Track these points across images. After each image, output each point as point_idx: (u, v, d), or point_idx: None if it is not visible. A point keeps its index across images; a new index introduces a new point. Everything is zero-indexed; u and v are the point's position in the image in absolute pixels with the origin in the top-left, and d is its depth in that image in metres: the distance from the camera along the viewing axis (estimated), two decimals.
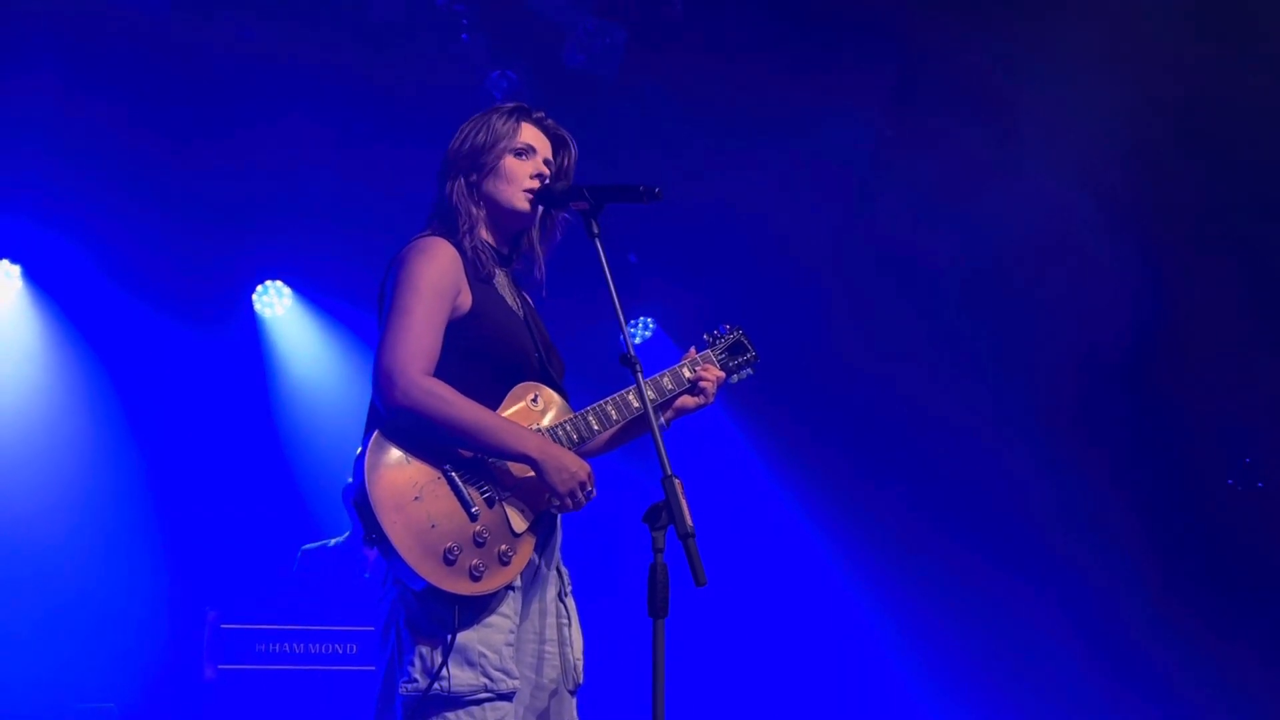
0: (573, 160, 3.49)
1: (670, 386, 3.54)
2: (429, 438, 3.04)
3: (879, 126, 7.30)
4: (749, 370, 3.78)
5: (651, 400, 3.38)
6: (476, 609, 3.04)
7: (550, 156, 3.44)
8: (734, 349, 3.75)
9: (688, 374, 3.57)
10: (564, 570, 3.36)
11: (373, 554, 6.18)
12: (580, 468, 3.12)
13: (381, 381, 3.03)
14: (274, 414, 7.99)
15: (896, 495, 8.02)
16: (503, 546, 3.05)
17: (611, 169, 6.99)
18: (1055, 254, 7.15)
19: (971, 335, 7.62)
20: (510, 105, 3.45)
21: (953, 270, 7.49)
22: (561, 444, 3.21)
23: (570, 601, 3.34)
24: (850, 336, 8.00)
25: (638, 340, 8.77)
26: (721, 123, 7.26)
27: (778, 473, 8.52)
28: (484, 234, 3.36)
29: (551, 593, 3.28)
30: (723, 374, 3.62)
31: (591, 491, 3.15)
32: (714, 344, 3.73)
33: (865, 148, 7.37)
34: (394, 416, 3.04)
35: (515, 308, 3.37)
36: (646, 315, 8.81)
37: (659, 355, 8.48)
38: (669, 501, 2.79)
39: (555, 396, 3.33)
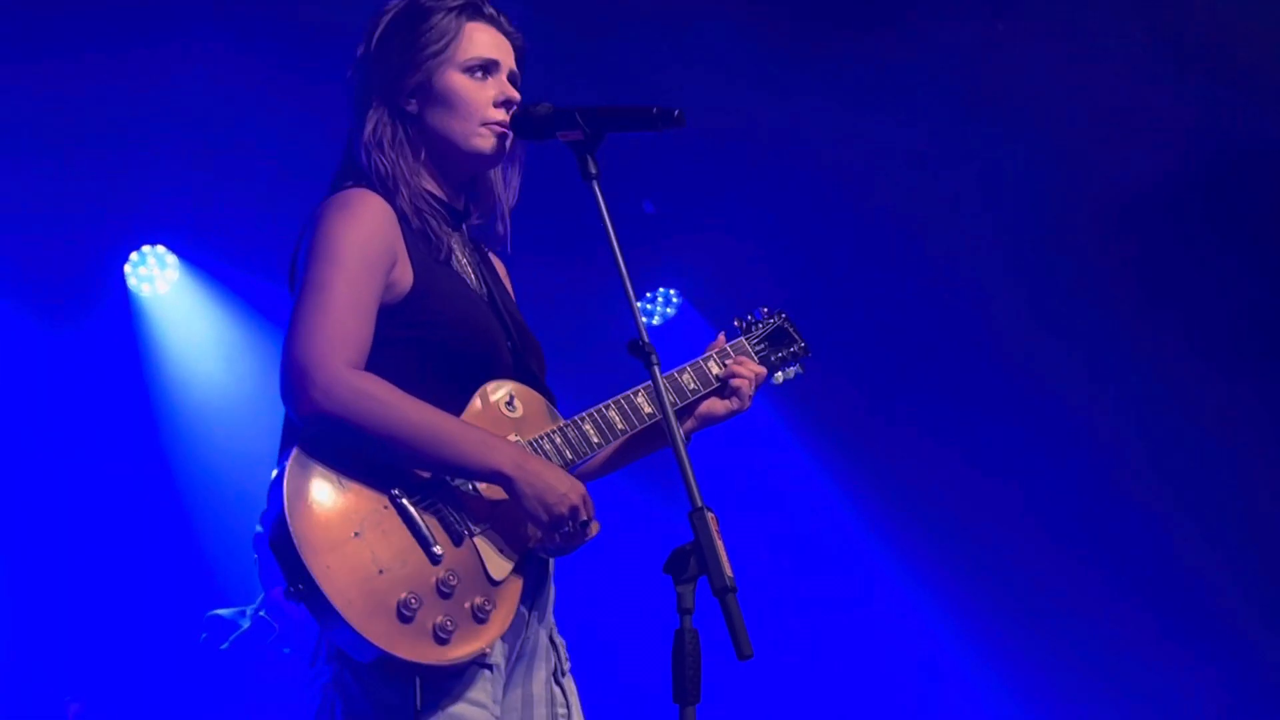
0: (522, 71, 3.47)
1: (693, 386, 3.56)
2: (367, 452, 3.03)
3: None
4: (797, 368, 3.86)
5: (670, 404, 3.39)
6: (439, 692, 3.02)
7: (515, 69, 3.42)
8: (775, 338, 3.81)
9: (715, 369, 3.60)
10: (559, 640, 3.35)
11: (288, 617, 6.22)
12: (572, 489, 3.10)
13: (293, 381, 3.01)
14: (157, 427, 8.03)
15: (954, 489, 8.60)
16: (477, 599, 3.04)
17: (630, 89, 7.06)
18: (1124, 238, 7.94)
19: (1038, 317, 8.27)
20: None
21: (1035, 251, 8.20)
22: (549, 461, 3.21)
23: (569, 683, 3.34)
24: (913, 309, 8.44)
25: (656, 320, 8.78)
26: (775, 32, 7.34)
27: (825, 465, 8.93)
28: (427, 184, 3.34)
29: (543, 672, 3.28)
30: (762, 370, 3.65)
31: (589, 524, 3.14)
32: (748, 331, 3.78)
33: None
34: (313, 425, 3.02)
35: (475, 283, 3.38)
36: (668, 285, 8.82)
37: (687, 339, 8.51)
38: (700, 544, 2.76)
39: (537, 399, 3.34)
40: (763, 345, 3.78)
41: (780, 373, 3.82)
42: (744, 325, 3.81)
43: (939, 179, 8.09)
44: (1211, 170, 7.67)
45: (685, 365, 3.58)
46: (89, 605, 7.41)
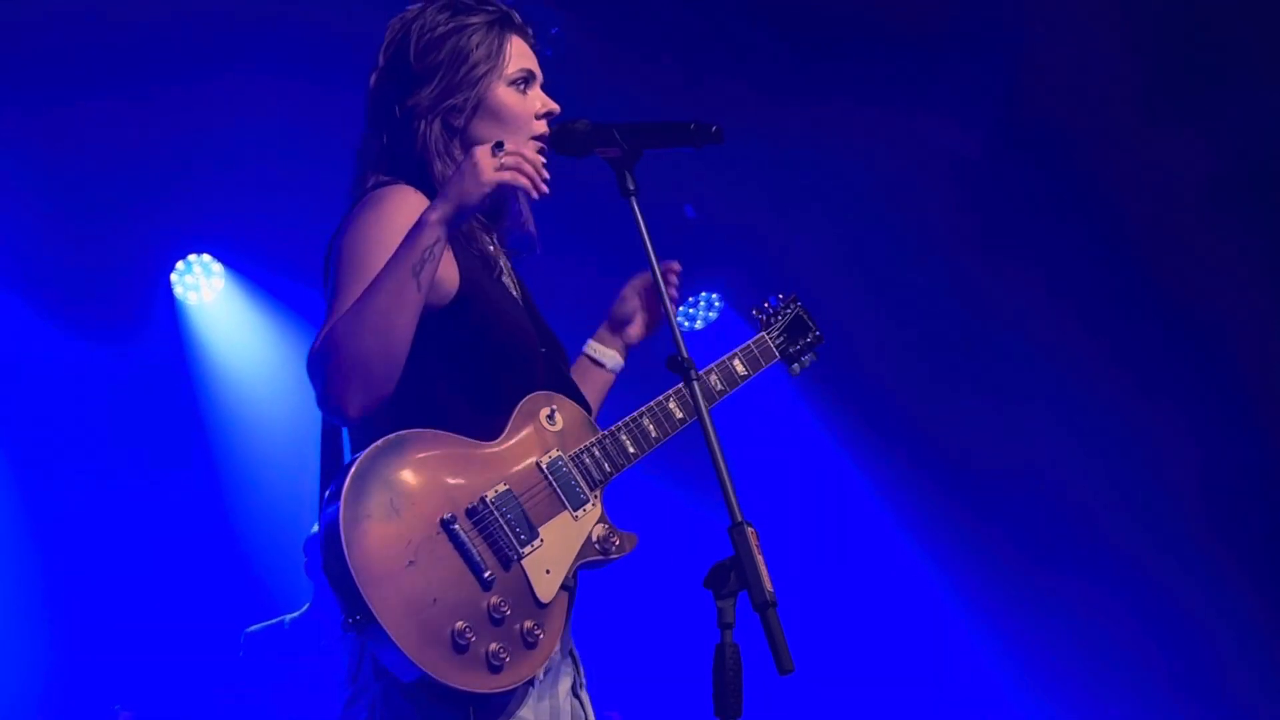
0: None
1: (720, 387, 3.63)
2: (420, 462, 3.03)
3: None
4: (812, 356, 3.92)
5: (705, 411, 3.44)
6: (490, 712, 3.04)
7: (542, 78, 3.45)
8: (794, 328, 3.88)
9: (741, 369, 3.68)
10: (576, 655, 3.36)
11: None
12: (466, 163, 3.07)
13: (315, 387, 3.01)
14: (205, 434, 8.05)
15: (999, 498, 8.61)
16: (527, 623, 3.05)
17: (669, 97, 7.07)
18: (1167, 240, 7.97)
19: (1080, 318, 8.31)
20: (482, 9, 3.37)
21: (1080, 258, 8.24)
22: (591, 476, 3.25)
23: (585, 697, 3.35)
24: (954, 311, 8.45)
25: (698, 324, 8.77)
26: (816, 36, 7.36)
27: (867, 472, 8.95)
28: None
29: (565, 686, 3.29)
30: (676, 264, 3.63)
31: (526, 156, 3.08)
32: (769, 323, 3.84)
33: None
34: (342, 420, 3.06)
35: (514, 290, 3.40)
36: (710, 290, 8.80)
37: (729, 343, 8.44)
38: (740, 559, 2.78)
39: (576, 410, 3.36)
40: (782, 338, 3.84)
41: (797, 363, 3.89)
42: (764, 318, 3.86)
43: (980, 181, 8.12)
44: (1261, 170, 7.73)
45: (711, 365, 3.64)
46: (140, 614, 7.44)
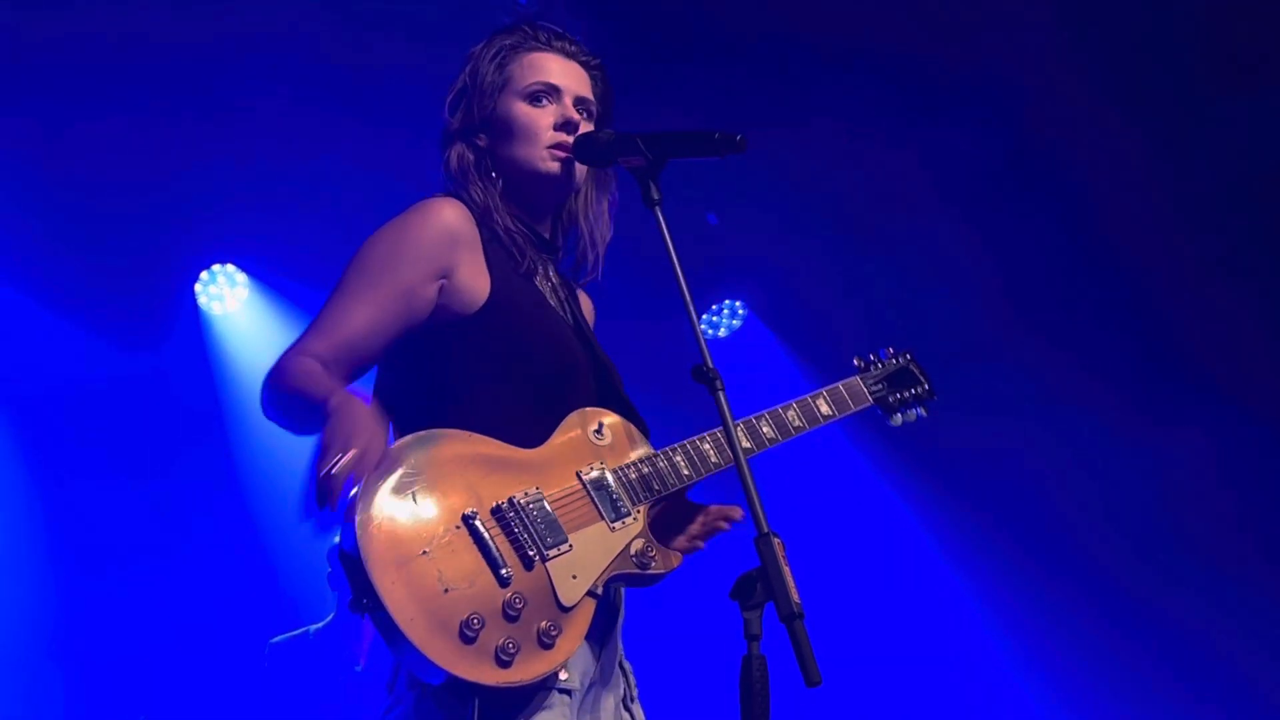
0: (604, 95, 3.54)
1: (798, 423, 3.56)
2: (449, 458, 3.05)
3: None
4: (920, 410, 3.88)
5: (770, 440, 3.47)
6: (508, 715, 3.01)
7: (588, 94, 3.47)
8: (897, 379, 3.86)
9: (825, 409, 3.62)
10: (628, 666, 3.35)
11: (368, 641, 6.25)
12: (348, 442, 2.91)
13: None
14: (229, 445, 8.06)
15: (1035, 517, 8.61)
16: (544, 623, 3.03)
17: (691, 104, 7.07)
18: (1184, 248, 8.01)
19: (1106, 324, 8.33)
20: (513, 29, 3.46)
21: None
22: (635, 492, 3.23)
23: (638, 710, 3.33)
24: (977, 317, 8.42)
25: (722, 332, 8.75)
26: (837, 44, 7.37)
27: (892, 481, 8.92)
28: (515, 211, 3.40)
29: (612, 700, 3.27)
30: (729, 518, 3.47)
31: (331, 478, 2.90)
32: (867, 369, 3.81)
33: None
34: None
35: (557, 304, 3.39)
36: (733, 297, 8.79)
37: (753, 351, 8.47)
38: (767, 570, 2.76)
39: (626, 427, 3.34)
40: (880, 386, 3.81)
41: (900, 414, 3.85)
42: (863, 365, 3.84)
43: (1002, 188, 8.11)
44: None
45: (793, 401, 3.59)
46: (164, 623, 7.45)
